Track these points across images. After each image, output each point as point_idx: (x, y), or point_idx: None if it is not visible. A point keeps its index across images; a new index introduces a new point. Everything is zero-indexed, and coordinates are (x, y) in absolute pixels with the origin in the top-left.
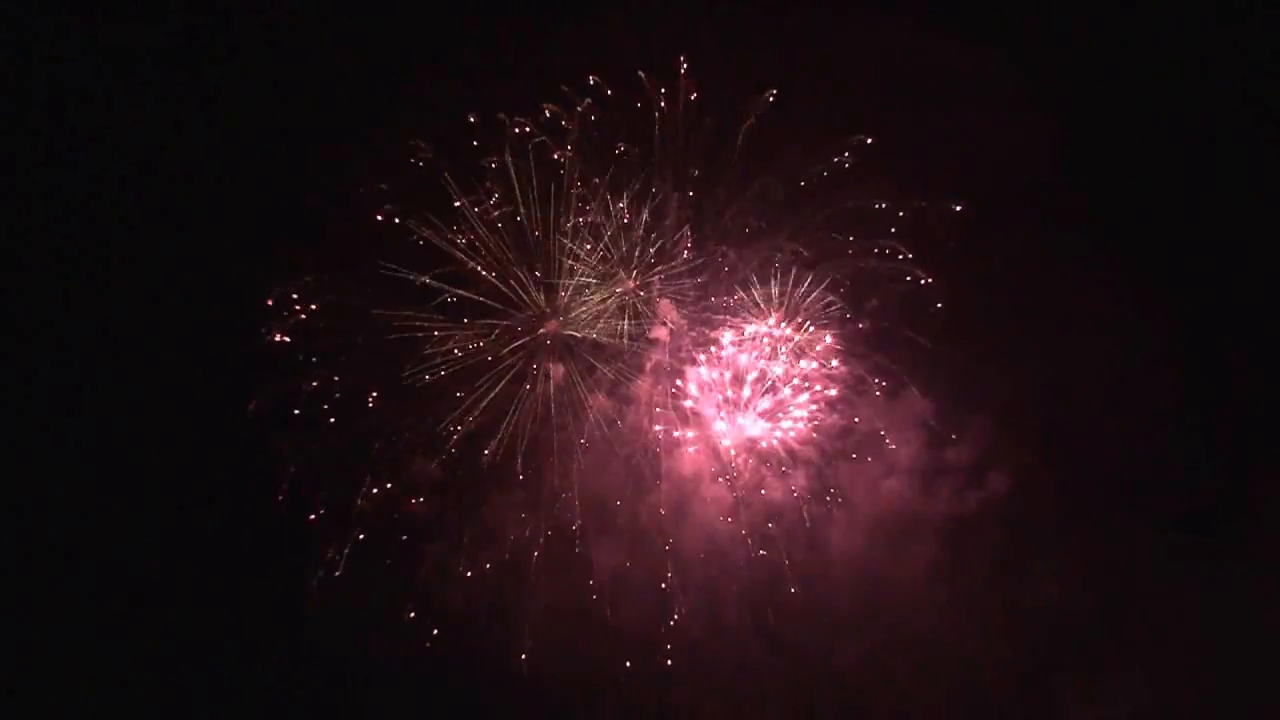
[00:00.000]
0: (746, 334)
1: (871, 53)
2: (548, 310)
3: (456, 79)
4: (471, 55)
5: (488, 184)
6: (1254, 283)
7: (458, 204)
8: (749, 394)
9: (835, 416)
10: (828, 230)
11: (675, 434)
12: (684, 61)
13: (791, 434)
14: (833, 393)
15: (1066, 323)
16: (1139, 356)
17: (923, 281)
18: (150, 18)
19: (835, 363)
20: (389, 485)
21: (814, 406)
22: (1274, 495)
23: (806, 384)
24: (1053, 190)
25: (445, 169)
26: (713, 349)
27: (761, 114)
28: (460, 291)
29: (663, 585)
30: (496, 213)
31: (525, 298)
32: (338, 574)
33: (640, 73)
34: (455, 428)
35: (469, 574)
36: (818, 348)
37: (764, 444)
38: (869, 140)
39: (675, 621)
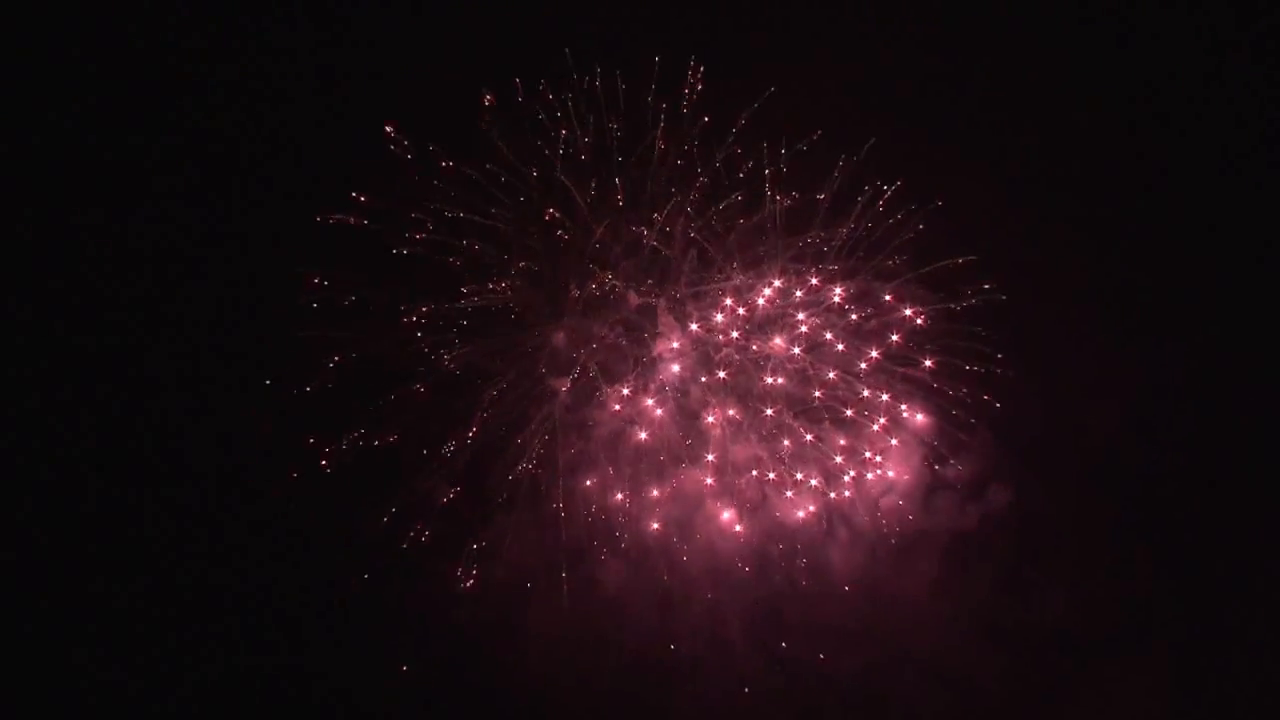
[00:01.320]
0: (751, 350)
1: (882, 73)
2: (554, 327)
3: (457, 83)
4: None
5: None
6: (1260, 303)
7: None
8: (754, 410)
9: (839, 435)
10: (833, 255)
11: (680, 450)
12: (696, 85)
13: (791, 449)
14: (822, 395)
15: (1072, 340)
16: (1146, 376)
17: (921, 317)
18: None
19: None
20: (397, 502)
21: (815, 425)
22: (1273, 510)
23: (811, 400)
24: (1064, 204)
25: (447, 182)
26: (717, 368)
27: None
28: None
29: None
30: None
31: (531, 315)
32: (347, 590)
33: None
34: (465, 444)
35: (475, 591)
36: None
37: (768, 461)
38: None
39: (678, 637)
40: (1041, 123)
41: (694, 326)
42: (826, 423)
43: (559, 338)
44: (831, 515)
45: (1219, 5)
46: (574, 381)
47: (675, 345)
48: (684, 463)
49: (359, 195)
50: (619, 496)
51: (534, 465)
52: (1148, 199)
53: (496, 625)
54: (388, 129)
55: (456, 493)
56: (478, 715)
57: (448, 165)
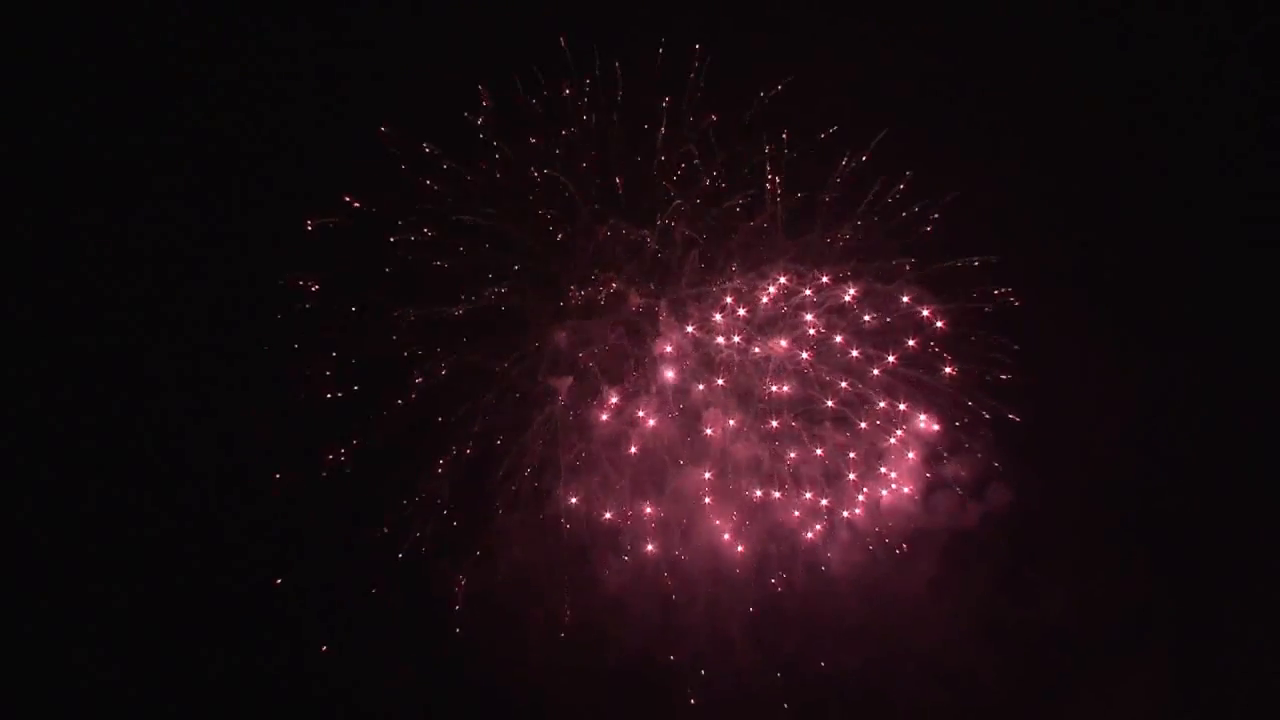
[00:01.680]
0: (754, 352)
1: (883, 73)
2: (555, 328)
3: (456, 83)
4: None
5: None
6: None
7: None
8: (754, 411)
9: (839, 435)
10: (834, 255)
11: (680, 450)
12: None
13: (793, 452)
14: (835, 404)
15: (1075, 341)
16: (1149, 377)
17: (940, 321)
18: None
19: (842, 383)
20: (398, 505)
21: (815, 427)
22: (1273, 511)
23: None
24: (1065, 208)
25: (446, 183)
26: (718, 370)
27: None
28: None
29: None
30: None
31: (530, 314)
32: (347, 591)
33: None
34: (465, 446)
35: (475, 593)
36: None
37: (771, 468)
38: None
39: (678, 637)
40: (1043, 124)
41: (690, 329)
42: (829, 425)
43: (560, 339)
44: (834, 518)
45: (1219, 5)
46: (575, 383)
47: (670, 349)
48: (685, 466)
49: (357, 198)
50: (620, 499)
51: (535, 467)
52: (1153, 201)
53: (496, 625)
54: (383, 129)
55: (457, 495)
56: (478, 715)
57: (446, 166)
